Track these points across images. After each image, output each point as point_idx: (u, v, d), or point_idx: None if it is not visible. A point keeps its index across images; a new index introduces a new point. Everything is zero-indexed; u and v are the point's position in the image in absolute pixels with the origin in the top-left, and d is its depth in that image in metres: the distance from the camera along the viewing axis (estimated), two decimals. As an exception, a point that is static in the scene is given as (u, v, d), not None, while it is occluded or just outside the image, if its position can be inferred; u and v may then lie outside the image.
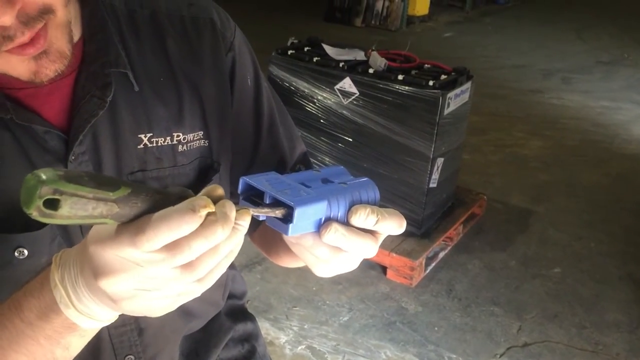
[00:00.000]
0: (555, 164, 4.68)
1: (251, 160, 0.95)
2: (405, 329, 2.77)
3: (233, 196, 1.01)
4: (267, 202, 0.60)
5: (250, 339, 1.12)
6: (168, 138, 0.83)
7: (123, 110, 0.79)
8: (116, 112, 0.79)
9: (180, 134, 0.83)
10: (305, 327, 2.75)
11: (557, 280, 3.21)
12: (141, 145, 0.81)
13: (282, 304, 2.90)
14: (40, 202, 0.46)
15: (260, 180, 0.61)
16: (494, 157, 4.72)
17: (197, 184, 0.85)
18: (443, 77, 3.08)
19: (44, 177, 0.47)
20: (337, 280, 3.06)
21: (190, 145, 0.85)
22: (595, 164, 4.72)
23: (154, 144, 0.82)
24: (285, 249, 0.77)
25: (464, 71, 3.20)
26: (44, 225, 0.74)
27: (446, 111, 3.01)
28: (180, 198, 0.54)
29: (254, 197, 0.62)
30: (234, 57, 0.90)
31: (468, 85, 3.21)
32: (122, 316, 0.83)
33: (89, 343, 0.81)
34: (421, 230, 3.17)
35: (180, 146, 0.84)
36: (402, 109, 3.02)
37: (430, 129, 3.00)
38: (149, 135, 0.81)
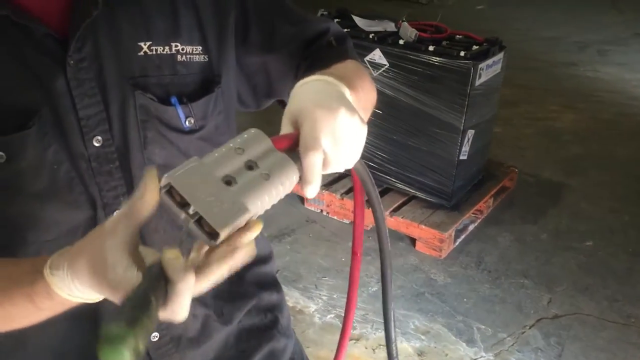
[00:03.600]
0: (588, 137, 4.60)
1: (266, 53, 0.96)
2: (434, 300, 2.79)
3: (273, 94, 1.01)
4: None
5: (274, 309, 1.12)
6: (167, 47, 0.85)
7: (122, 19, 0.83)
8: (115, 19, 0.82)
9: (179, 44, 0.86)
10: (335, 296, 2.78)
11: (589, 253, 3.18)
12: (141, 53, 0.84)
13: (311, 274, 2.93)
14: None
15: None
16: (526, 130, 4.65)
17: (199, 95, 0.88)
18: (475, 47, 3.03)
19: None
20: (366, 251, 3.05)
21: (189, 57, 0.87)
22: (629, 137, 4.62)
23: (154, 52, 0.84)
24: None
25: (496, 42, 3.15)
26: (21, 129, 0.77)
27: (477, 82, 2.97)
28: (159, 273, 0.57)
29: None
30: None
31: (500, 56, 3.16)
32: None
33: None
34: (451, 203, 3.16)
35: (179, 56, 0.86)
36: (432, 80, 2.99)
37: (461, 100, 2.97)
38: (148, 43, 0.84)
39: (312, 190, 0.66)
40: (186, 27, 0.87)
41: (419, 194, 3.23)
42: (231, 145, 0.63)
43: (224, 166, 0.61)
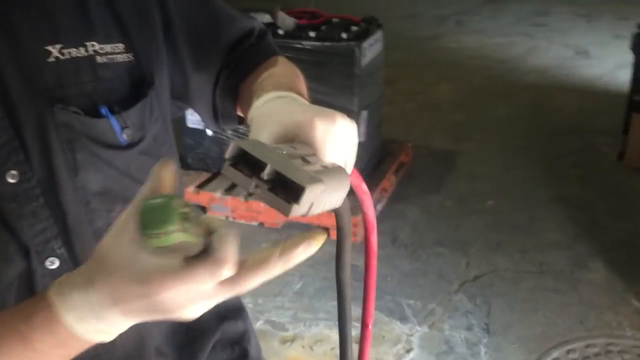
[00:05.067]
0: (467, 103, 4.79)
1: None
2: (359, 285, 2.73)
3: (187, 100, 0.90)
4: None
5: (241, 341, 1.00)
6: (82, 48, 0.71)
7: (19, 20, 0.67)
8: (11, 22, 0.67)
9: (95, 43, 0.72)
10: (260, 301, 2.67)
11: (492, 212, 3.29)
12: (51, 59, 0.68)
13: (230, 284, 2.80)
14: (177, 216, 0.48)
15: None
16: (409, 105, 4.76)
17: (131, 100, 0.75)
18: (354, 28, 3.03)
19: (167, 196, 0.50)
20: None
21: (111, 58, 0.73)
22: (503, 98, 4.87)
23: (67, 56, 0.69)
24: None
25: (373, 20, 3.17)
26: None
27: (363, 62, 2.97)
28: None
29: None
30: None
31: (379, 34, 3.19)
32: None
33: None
34: (356, 186, 3.15)
35: (98, 57, 0.72)
36: (319, 66, 2.95)
37: (349, 83, 2.96)
38: (58, 46, 0.69)
39: None
40: (100, 22, 0.73)
41: (323, 183, 3.18)
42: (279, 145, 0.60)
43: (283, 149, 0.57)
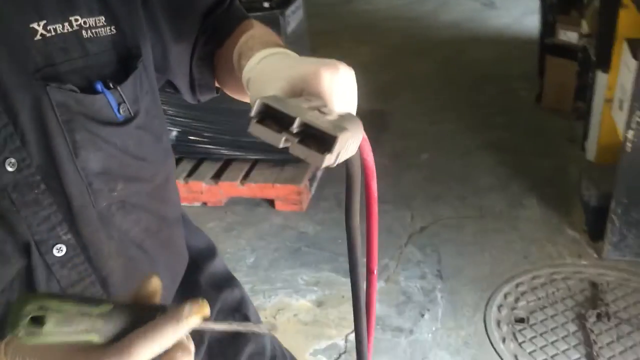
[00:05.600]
0: (388, 63, 4.87)
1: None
2: (313, 251, 2.79)
3: (166, 71, 0.88)
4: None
5: (240, 307, 1.02)
6: (66, 24, 0.69)
7: (1, 1, 0.65)
8: None
9: (79, 17, 0.70)
10: (216, 280, 2.66)
11: (428, 165, 3.40)
12: (38, 37, 0.66)
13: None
14: (26, 320, 0.47)
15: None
16: (332, 71, 4.78)
17: (122, 74, 0.74)
18: (274, -4, 3.01)
19: (28, 296, 0.48)
20: (228, 227, 2.98)
21: (95, 32, 0.71)
22: (421, 54, 4.98)
23: (53, 33, 0.68)
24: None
25: (293, -13, 3.15)
26: None
27: (289, 30, 2.96)
28: (162, 310, 0.52)
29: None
30: None
31: (300, 0, 3.18)
32: (76, 269, 0.70)
33: None
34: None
35: (84, 32, 0.70)
36: (244, 38, 2.91)
37: (277, 52, 2.94)
38: (42, 23, 0.67)
39: None
40: None
41: (262, 156, 3.18)
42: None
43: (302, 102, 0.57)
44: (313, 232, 2.92)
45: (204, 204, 3.17)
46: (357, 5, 6.46)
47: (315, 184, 3.25)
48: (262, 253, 2.79)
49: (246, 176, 3.12)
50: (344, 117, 0.58)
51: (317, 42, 5.27)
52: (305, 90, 0.61)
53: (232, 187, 3.08)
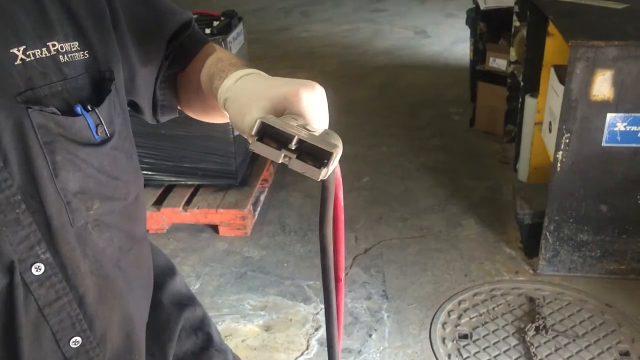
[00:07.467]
0: (326, 89, 4.90)
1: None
2: (258, 275, 2.79)
3: (132, 93, 0.89)
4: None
5: (203, 325, 1.03)
6: (44, 49, 0.71)
7: None
8: None
9: (56, 43, 0.72)
10: (160, 308, 2.61)
11: (369, 188, 3.47)
12: (18, 62, 0.68)
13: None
14: None
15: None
16: (271, 97, 4.83)
17: (98, 97, 0.76)
18: (216, 23, 3.03)
19: None
20: (172, 254, 2.94)
21: (71, 57, 0.74)
22: (358, 81, 5.10)
23: (33, 57, 0.70)
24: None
25: (233, 14, 3.19)
26: None
27: (230, 56, 2.98)
28: None
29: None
30: None
31: (241, 26, 3.21)
32: (54, 288, 0.70)
33: (28, 336, 0.69)
34: (238, 180, 3.16)
35: (61, 57, 0.72)
36: (186, 64, 2.91)
37: (220, 78, 2.95)
38: (22, 48, 0.69)
39: None
40: (58, 22, 0.73)
41: (204, 182, 3.16)
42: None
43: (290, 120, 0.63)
44: (258, 257, 2.91)
45: (146, 231, 3.11)
46: (294, 33, 6.56)
47: (258, 209, 3.25)
48: (207, 279, 2.76)
49: (188, 202, 3.09)
50: (328, 134, 0.62)
51: (257, 67, 5.31)
52: (287, 109, 0.65)
53: (174, 214, 3.05)
